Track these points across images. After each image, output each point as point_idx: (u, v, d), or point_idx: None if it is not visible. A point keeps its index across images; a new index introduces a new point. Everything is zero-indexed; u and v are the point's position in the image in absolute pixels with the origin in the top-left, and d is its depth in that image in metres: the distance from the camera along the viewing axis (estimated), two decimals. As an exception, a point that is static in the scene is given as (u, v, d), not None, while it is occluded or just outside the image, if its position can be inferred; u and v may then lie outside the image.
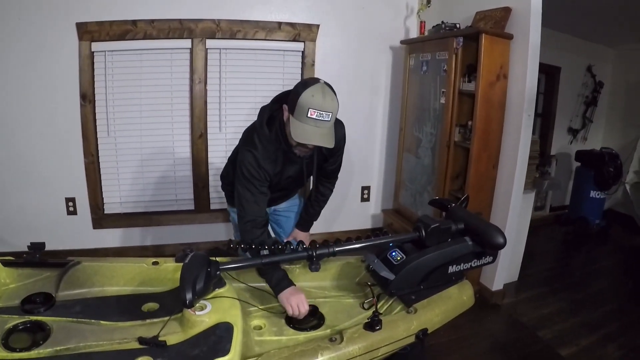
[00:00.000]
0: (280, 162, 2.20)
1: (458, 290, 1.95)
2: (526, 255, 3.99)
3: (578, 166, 5.46)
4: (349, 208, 4.90)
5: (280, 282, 1.94)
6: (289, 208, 2.81)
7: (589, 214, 5.26)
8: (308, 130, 1.91)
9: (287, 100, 2.03)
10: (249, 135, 2.20)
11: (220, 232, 4.52)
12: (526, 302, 3.69)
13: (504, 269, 3.63)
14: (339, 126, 2.26)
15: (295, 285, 1.95)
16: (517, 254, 3.86)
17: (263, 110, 2.19)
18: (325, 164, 2.45)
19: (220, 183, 2.82)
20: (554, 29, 4.80)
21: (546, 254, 4.79)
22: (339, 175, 2.70)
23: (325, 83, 1.98)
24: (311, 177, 2.49)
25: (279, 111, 2.12)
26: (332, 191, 2.74)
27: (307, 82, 1.94)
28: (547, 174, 4.71)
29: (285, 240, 2.67)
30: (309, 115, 1.89)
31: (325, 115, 1.90)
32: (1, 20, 3.76)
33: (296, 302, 1.86)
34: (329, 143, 1.96)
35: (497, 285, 3.61)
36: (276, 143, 2.13)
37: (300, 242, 1.86)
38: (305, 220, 2.77)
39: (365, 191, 4.90)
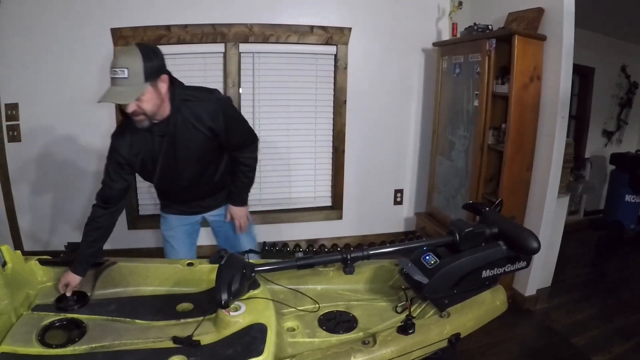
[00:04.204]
0: (140, 143, 2.19)
1: (491, 295, 1.93)
2: (560, 261, 3.92)
3: (613, 169, 5.36)
4: (382, 211, 4.89)
5: (73, 261, 2.03)
6: (220, 214, 2.71)
7: (623, 218, 5.15)
8: (108, 91, 1.93)
9: None
10: None
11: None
12: (559, 308, 3.64)
13: (537, 274, 3.58)
14: (209, 100, 2.22)
15: (78, 273, 1.99)
16: (550, 259, 3.80)
17: None
18: (226, 144, 2.37)
19: None
20: (586, 29, 4.72)
21: (580, 259, 4.70)
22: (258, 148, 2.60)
23: (139, 44, 1.99)
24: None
25: None
26: (254, 159, 2.54)
27: None
28: (581, 177, 4.62)
29: (226, 220, 2.65)
30: (111, 76, 1.91)
31: (119, 72, 1.89)
32: (36, 25, 3.86)
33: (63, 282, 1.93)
34: (123, 99, 1.92)
35: (530, 290, 3.57)
36: (132, 124, 2.11)
37: (334, 246, 1.88)
38: (235, 193, 2.59)
39: (398, 194, 4.89)
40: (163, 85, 2.06)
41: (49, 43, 3.90)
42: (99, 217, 2.22)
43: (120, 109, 2.11)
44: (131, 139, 2.17)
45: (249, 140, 2.49)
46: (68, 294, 1.91)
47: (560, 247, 3.88)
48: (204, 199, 2.59)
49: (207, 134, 2.23)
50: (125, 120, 2.18)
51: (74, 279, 1.96)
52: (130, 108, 1.95)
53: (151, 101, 2.00)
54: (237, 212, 2.59)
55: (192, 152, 2.25)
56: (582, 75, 5.45)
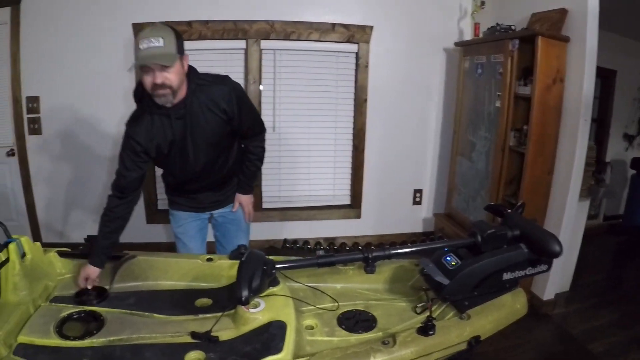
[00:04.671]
0: (157, 128, 2.21)
1: (512, 298, 1.91)
2: (578, 265, 3.87)
3: (633, 174, 5.30)
4: (400, 211, 4.89)
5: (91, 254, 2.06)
6: (227, 216, 2.74)
7: (644, 224, 5.07)
8: (141, 56, 1.96)
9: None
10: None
11: (272, 230, 4.60)
12: (577, 313, 3.60)
13: (556, 279, 3.55)
14: (222, 84, 2.28)
15: (97, 266, 2.02)
16: (569, 264, 3.76)
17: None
18: (238, 129, 2.41)
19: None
20: (608, 31, 4.66)
21: (599, 264, 4.63)
22: (265, 135, 2.65)
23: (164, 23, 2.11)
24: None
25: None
26: (263, 149, 2.62)
27: None
28: (602, 181, 4.57)
29: (234, 210, 2.68)
30: (140, 47, 1.94)
31: (154, 41, 1.94)
32: (58, 19, 3.91)
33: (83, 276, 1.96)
34: (164, 61, 1.96)
35: (548, 294, 3.54)
36: (147, 110, 2.19)
37: (355, 244, 1.88)
38: (243, 182, 2.65)
39: (417, 194, 4.87)
40: (185, 64, 2.13)
41: (70, 37, 3.94)
42: (115, 207, 2.23)
43: (138, 91, 2.24)
44: (147, 125, 2.20)
45: (258, 128, 2.55)
46: (89, 287, 1.93)
47: (579, 251, 3.83)
48: (213, 191, 2.60)
49: (221, 118, 2.26)
50: (139, 108, 2.25)
51: (93, 271, 1.98)
52: (160, 79, 1.99)
53: (178, 75, 2.05)
54: (246, 200, 2.66)
55: (207, 135, 2.28)
56: (604, 78, 5.38)
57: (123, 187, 2.23)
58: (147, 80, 2.01)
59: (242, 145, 2.60)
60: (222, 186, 2.62)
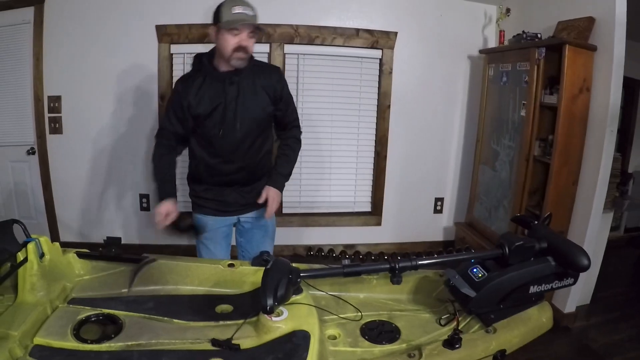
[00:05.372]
0: (206, 87, 2.39)
1: (538, 312, 1.87)
2: (599, 278, 3.80)
3: (657, 185, 5.19)
4: (421, 219, 4.85)
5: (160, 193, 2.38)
6: (254, 222, 2.75)
7: (666, 236, 4.98)
8: (237, 18, 2.21)
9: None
10: None
11: (292, 236, 4.58)
12: (598, 327, 3.54)
13: (577, 291, 3.49)
14: (276, 69, 2.61)
15: (171, 197, 2.36)
16: (591, 276, 3.69)
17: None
18: (277, 112, 2.57)
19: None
20: (631, 39, 4.60)
21: (620, 277, 4.57)
22: (298, 136, 2.75)
23: None
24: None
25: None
26: (298, 142, 2.72)
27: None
28: (626, 193, 4.50)
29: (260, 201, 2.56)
30: (234, 11, 2.20)
31: (249, 10, 2.24)
32: (82, 19, 3.95)
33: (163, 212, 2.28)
34: (256, 27, 2.28)
35: (569, 307, 3.49)
36: (200, 71, 2.42)
37: (381, 254, 1.85)
38: (275, 173, 2.62)
39: (439, 203, 4.83)
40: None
41: (93, 37, 3.96)
42: (163, 148, 2.48)
43: (197, 58, 2.47)
44: (198, 83, 2.39)
45: (296, 121, 2.70)
46: (174, 217, 2.28)
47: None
48: (242, 185, 2.60)
49: (270, 96, 2.47)
50: (193, 70, 2.48)
51: (170, 204, 2.29)
52: (246, 42, 2.27)
53: (254, 46, 2.36)
54: (274, 194, 2.55)
55: (253, 108, 2.43)
56: (627, 87, 5.31)
57: (168, 135, 2.47)
58: (233, 40, 2.24)
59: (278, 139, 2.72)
60: (251, 181, 2.60)
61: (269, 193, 2.53)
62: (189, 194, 2.72)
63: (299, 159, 3.66)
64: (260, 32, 2.35)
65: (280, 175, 2.60)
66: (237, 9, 2.20)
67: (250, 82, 2.40)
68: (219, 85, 2.37)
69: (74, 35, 3.96)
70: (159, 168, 2.45)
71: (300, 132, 2.73)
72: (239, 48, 2.25)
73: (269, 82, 2.46)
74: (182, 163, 2.70)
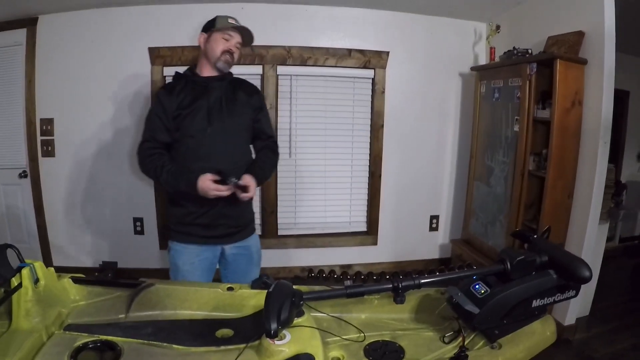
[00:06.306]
0: (188, 91, 2.49)
1: (541, 325, 1.86)
2: (597, 289, 3.81)
3: (650, 194, 5.23)
4: (417, 237, 4.84)
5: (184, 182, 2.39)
6: (238, 250, 2.69)
7: (661, 245, 5.01)
8: (233, 24, 2.48)
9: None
10: None
11: (287, 258, 4.55)
12: (598, 338, 3.55)
13: (577, 303, 3.50)
14: (252, 85, 2.76)
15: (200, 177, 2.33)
16: (589, 288, 3.71)
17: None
18: (255, 123, 2.67)
19: None
20: (621, 52, 4.67)
21: (617, 287, 4.59)
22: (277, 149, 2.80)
23: None
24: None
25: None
26: (274, 152, 2.75)
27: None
28: (620, 203, 4.53)
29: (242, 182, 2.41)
30: (229, 21, 2.49)
31: (239, 22, 2.52)
32: (74, 41, 3.97)
33: (212, 190, 2.32)
34: (247, 31, 2.55)
35: (569, 320, 3.49)
36: (181, 78, 2.56)
37: (382, 274, 1.84)
38: (253, 165, 2.57)
39: (434, 220, 4.83)
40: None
41: (86, 59, 3.97)
42: (152, 149, 2.48)
43: (178, 73, 2.60)
44: (180, 87, 2.50)
45: (272, 132, 2.79)
46: (213, 179, 2.32)
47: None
48: (226, 204, 2.50)
49: (248, 105, 2.61)
50: (174, 80, 2.59)
51: (208, 179, 2.31)
52: (234, 47, 2.52)
53: (237, 57, 2.60)
54: (252, 180, 2.43)
55: (235, 112, 2.54)
56: (617, 99, 5.35)
57: (148, 147, 2.47)
58: (223, 44, 2.48)
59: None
60: (234, 200, 2.45)
61: (247, 179, 2.41)
62: (168, 223, 2.63)
63: (293, 179, 3.66)
64: (246, 48, 2.66)
65: (258, 168, 2.56)
66: (232, 20, 2.49)
67: (231, 90, 2.57)
68: (200, 87, 2.49)
69: (67, 57, 3.96)
70: (162, 162, 2.44)
71: (278, 147, 2.80)
72: (228, 52, 2.48)
73: (250, 92, 2.65)
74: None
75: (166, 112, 2.43)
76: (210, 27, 2.50)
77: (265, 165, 2.63)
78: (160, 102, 2.45)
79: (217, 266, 2.73)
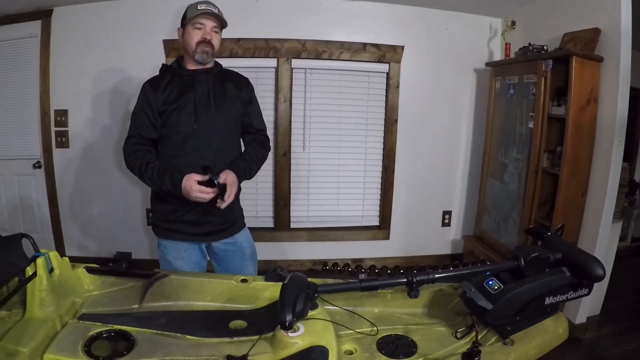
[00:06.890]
0: (175, 84, 2.42)
1: (554, 323, 1.86)
2: (608, 288, 3.77)
3: (663, 194, 5.17)
4: (429, 232, 4.84)
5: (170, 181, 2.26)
6: (227, 246, 2.63)
7: (673, 245, 4.97)
8: (201, 9, 2.35)
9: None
10: None
11: (299, 250, 4.57)
12: (609, 337, 3.52)
13: (588, 302, 3.47)
14: (242, 77, 2.68)
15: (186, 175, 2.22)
16: (601, 287, 3.67)
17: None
18: (244, 116, 2.60)
19: None
20: (637, 50, 4.62)
21: (629, 286, 4.54)
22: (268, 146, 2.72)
23: None
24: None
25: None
26: (263, 146, 2.63)
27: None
28: (634, 202, 4.49)
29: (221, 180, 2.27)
30: (199, 7, 2.35)
31: (212, 7, 2.38)
32: (89, 33, 4.00)
33: (195, 192, 2.19)
34: (219, 18, 2.41)
35: (580, 318, 3.47)
36: (168, 72, 2.48)
37: (396, 268, 1.84)
38: (237, 160, 2.47)
39: (447, 216, 4.82)
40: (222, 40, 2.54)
41: (101, 51, 3.98)
42: (137, 145, 2.40)
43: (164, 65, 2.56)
44: (167, 81, 2.42)
45: (264, 131, 2.71)
46: (200, 179, 2.22)
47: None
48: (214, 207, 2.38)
49: (237, 98, 2.53)
50: (161, 73, 2.53)
51: (193, 179, 2.20)
52: (209, 36, 2.38)
53: (218, 43, 2.46)
54: (232, 179, 2.31)
55: (223, 106, 2.46)
56: (633, 97, 5.30)
57: (133, 143, 2.39)
58: (197, 34, 2.36)
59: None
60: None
61: (228, 177, 2.29)
62: (151, 220, 2.61)
63: (307, 172, 3.65)
64: (224, 27, 2.50)
65: (241, 163, 2.46)
66: (201, 6, 2.35)
67: (219, 82, 2.49)
68: (187, 81, 2.42)
69: (81, 49, 3.98)
70: (149, 160, 2.33)
71: (269, 141, 2.71)
72: (203, 41, 2.36)
73: (239, 85, 2.57)
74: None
75: (152, 108, 2.36)
76: (183, 21, 2.43)
77: (251, 159, 2.51)
78: (146, 97, 2.38)
79: (208, 258, 2.71)
